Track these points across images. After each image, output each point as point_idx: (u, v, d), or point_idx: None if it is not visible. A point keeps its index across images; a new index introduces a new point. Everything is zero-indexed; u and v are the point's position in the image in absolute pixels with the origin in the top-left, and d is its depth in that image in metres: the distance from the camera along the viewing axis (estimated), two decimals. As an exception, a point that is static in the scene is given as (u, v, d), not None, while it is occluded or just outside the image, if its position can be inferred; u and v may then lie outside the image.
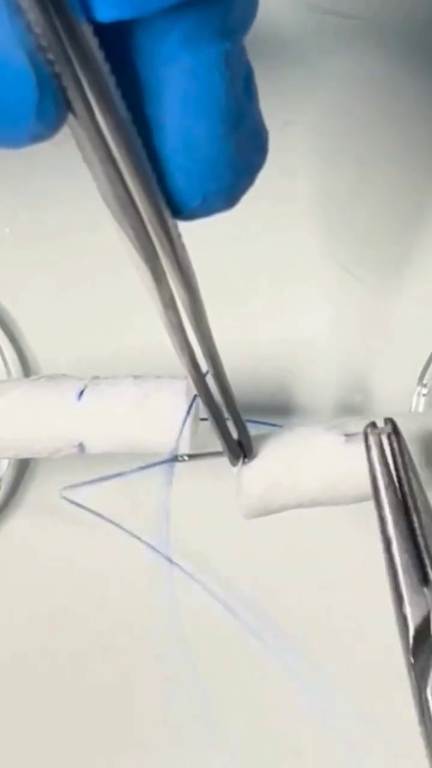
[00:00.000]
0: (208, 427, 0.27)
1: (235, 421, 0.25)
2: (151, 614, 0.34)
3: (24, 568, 0.34)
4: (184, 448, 0.27)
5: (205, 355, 0.22)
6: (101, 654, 0.34)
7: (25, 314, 0.35)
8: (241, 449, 0.26)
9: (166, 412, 0.27)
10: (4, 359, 0.34)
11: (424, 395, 0.32)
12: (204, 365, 0.23)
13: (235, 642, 0.34)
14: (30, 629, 0.34)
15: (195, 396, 0.27)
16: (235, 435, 0.26)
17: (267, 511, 0.27)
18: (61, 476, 0.34)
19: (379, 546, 0.29)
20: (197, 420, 0.27)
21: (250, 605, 0.34)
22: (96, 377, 0.28)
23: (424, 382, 0.32)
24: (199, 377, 0.23)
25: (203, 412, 0.27)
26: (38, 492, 0.34)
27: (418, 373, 0.33)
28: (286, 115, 0.34)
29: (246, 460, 0.26)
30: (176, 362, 0.25)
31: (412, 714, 0.33)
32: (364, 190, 0.34)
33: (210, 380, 0.24)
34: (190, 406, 0.27)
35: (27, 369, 0.34)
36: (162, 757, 0.34)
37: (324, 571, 0.34)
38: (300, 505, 0.27)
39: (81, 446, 0.27)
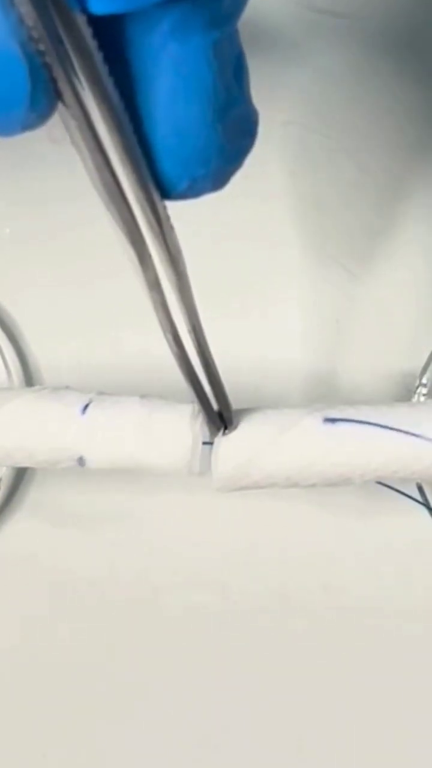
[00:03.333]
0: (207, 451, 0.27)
1: (216, 394, 0.25)
2: (151, 614, 0.34)
3: (23, 568, 0.34)
4: (185, 471, 0.27)
5: (189, 331, 0.23)
6: (101, 654, 0.34)
7: (25, 314, 0.35)
8: (221, 421, 0.26)
9: (168, 435, 0.27)
10: (4, 359, 0.34)
11: (423, 395, 0.33)
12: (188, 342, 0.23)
13: (237, 643, 0.34)
14: (29, 629, 0.34)
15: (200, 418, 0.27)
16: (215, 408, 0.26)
17: (240, 486, 0.27)
18: (61, 478, 0.34)
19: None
20: (199, 444, 0.27)
21: (251, 602, 0.34)
22: (101, 393, 0.28)
23: (424, 381, 0.33)
24: (181, 352, 0.23)
25: (206, 436, 0.27)
26: (38, 492, 0.34)
27: (418, 373, 0.33)
28: (286, 115, 0.34)
29: (226, 432, 0.27)
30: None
31: (413, 710, 0.33)
32: (363, 190, 0.34)
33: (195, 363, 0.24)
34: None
35: (27, 369, 0.34)
36: (162, 756, 0.34)
37: (328, 569, 0.34)
38: (274, 484, 0.27)
39: (81, 460, 0.27)
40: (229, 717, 0.34)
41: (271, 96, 0.33)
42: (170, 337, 0.22)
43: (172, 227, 0.20)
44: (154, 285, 0.21)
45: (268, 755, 0.33)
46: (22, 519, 0.34)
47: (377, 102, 0.34)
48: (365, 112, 0.34)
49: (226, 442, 0.27)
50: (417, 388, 0.32)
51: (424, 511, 0.32)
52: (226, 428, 0.27)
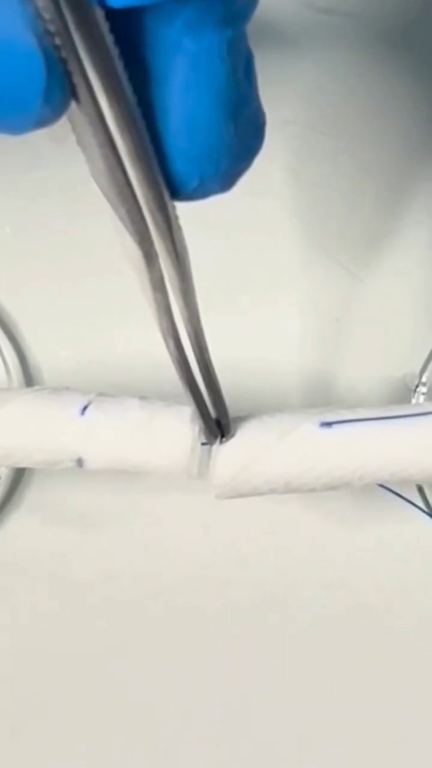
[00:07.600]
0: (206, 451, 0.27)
1: (215, 402, 0.25)
2: (151, 614, 0.34)
3: (23, 568, 0.34)
4: (184, 474, 0.27)
5: (190, 335, 0.22)
6: (101, 654, 0.34)
7: (25, 314, 0.35)
8: (219, 429, 0.26)
9: (168, 438, 0.27)
10: (3, 359, 0.34)
11: (423, 394, 0.33)
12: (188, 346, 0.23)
13: (237, 642, 0.34)
14: (29, 630, 0.34)
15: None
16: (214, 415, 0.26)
17: (239, 493, 0.27)
18: (61, 477, 0.34)
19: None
20: (198, 447, 0.27)
21: (251, 602, 0.34)
22: (101, 393, 0.28)
23: (424, 380, 0.33)
24: (181, 358, 0.23)
25: (204, 437, 0.27)
26: (37, 492, 0.34)
27: (417, 372, 0.33)
28: (287, 114, 0.34)
29: (223, 440, 0.27)
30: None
31: (409, 710, 0.33)
32: (363, 188, 0.34)
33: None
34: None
35: (27, 368, 0.34)
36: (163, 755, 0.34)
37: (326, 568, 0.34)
38: (273, 490, 0.27)
39: (80, 461, 0.27)
40: (230, 716, 0.34)
41: (272, 94, 0.32)
42: (171, 342, 0.22)
43: (180, 227, 0.19)
44: (159, 286, 0.20)
45: (268, 754, 0.33)
46: (22, 519, 0.34)
47: (378, 100, 0.34)
48: (366, 111, 0.34)
49: (223, 451, 0.27)
50: (417, 387, 0.32)
51: (423, 514, 0.32)
52: (223, 436, 0.27)
